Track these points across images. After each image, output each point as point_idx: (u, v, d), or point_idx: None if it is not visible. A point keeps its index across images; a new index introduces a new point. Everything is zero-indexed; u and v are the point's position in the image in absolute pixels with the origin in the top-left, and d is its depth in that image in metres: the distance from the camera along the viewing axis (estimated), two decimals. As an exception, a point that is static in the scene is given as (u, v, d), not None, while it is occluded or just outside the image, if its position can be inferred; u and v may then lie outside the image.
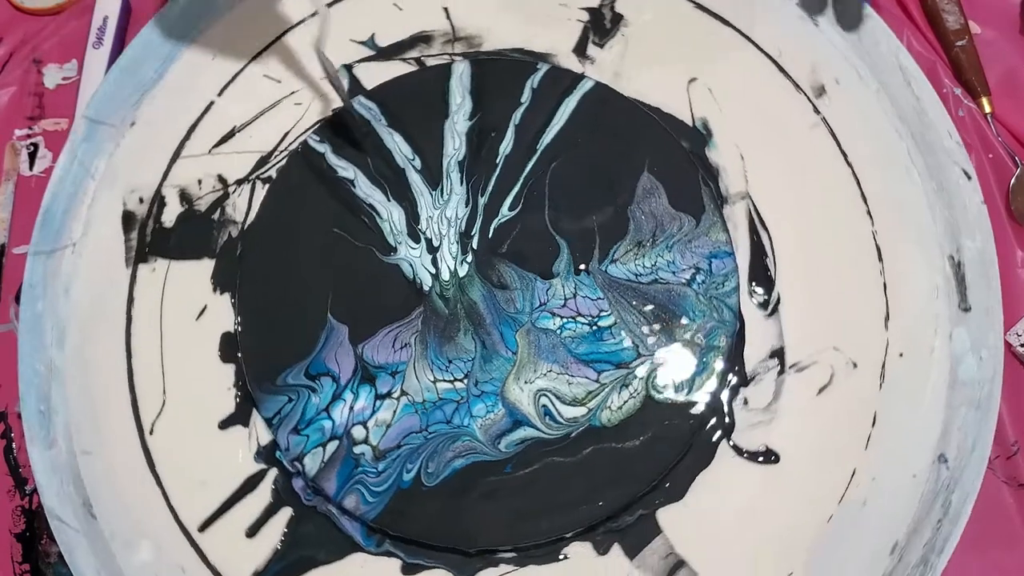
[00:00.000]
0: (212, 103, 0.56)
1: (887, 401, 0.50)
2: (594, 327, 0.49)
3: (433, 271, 0.51)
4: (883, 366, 0.50)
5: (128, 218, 0.54)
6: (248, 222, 0.53)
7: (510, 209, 0.52)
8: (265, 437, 0.50)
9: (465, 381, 0.49)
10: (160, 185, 0.55)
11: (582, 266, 0.50)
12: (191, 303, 0.53)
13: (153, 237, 0.54)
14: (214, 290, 0.53)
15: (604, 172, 0.52)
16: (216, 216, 0.54)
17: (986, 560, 0.51)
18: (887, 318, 0.51)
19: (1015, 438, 0.52)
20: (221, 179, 0.55)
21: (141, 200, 0.54)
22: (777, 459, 0.49)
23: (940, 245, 0.52)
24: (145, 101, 0.56)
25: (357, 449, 0.48)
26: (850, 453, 0.49)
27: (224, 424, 0.51)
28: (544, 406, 0.48)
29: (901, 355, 0.51)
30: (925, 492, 0.49)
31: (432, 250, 0.51)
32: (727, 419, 0.50)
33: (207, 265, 0.53)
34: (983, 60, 0.58)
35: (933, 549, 0.47)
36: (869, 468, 0.49)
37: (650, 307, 0.49)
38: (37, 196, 0.54)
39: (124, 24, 0.62)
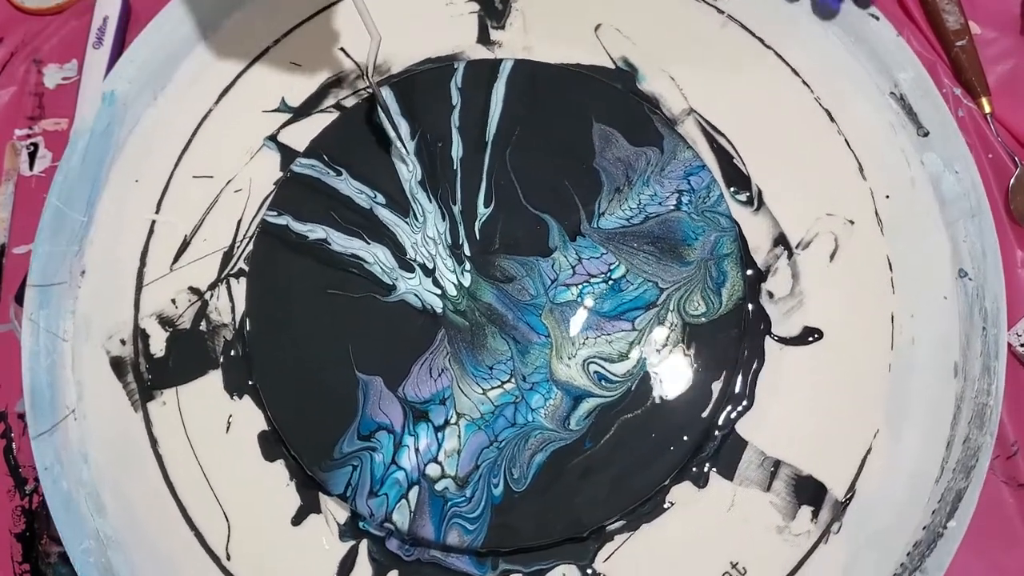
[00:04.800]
0: (153, 222, 0.54)
1: (893, 242, 0.52)
2: (610, 281, 0.50)
3: (439, 292, 0.50)
4: (876, 213, 0.52)
5: (117, 364, 0.52)
6: (238, 319, 0.52)
7: (485, 206, 0.52)
8: (341, 514, 0.49)
9: (513, 380, 0.48)
10: (135, 320, 0.53)
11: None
12: (214, 419, 0.51)
13: (150, 372, 0.52)
14: (231, 397, 0.51)
15: (557, 139, 0.53)
16: (203, 327, 0.52)
17: (986, 560, 0.50)
18: (861, 168, 0.53)
19: (1015, 438, 0.52)
20: (194, 290, 0.53)
21: (123, 342, 0.52)
22: (820, 335, 0.51)
23: (878, 87, 0.55)
24: (86, 248, 0.54)
25: (439, 486, 0.47)
26: (882, 301, 0.51)
27: (297, 519, 0.49)
28: (596, 372, 0.48)
29: (888, 197, 0.53)
30: (961, 308, 0.51)
31: (429, 273, 0.51)
32: (762, 316, 0.51)
33: (215, 377, 0.52)
34: (983, 60, 0.58)
35: (990, 355, 0.50)
36: (904, 307, 0.51)
37: (652, 243, 0.50)
38: (37, 196, 0.54)
39: (124, 24, 0.61)
